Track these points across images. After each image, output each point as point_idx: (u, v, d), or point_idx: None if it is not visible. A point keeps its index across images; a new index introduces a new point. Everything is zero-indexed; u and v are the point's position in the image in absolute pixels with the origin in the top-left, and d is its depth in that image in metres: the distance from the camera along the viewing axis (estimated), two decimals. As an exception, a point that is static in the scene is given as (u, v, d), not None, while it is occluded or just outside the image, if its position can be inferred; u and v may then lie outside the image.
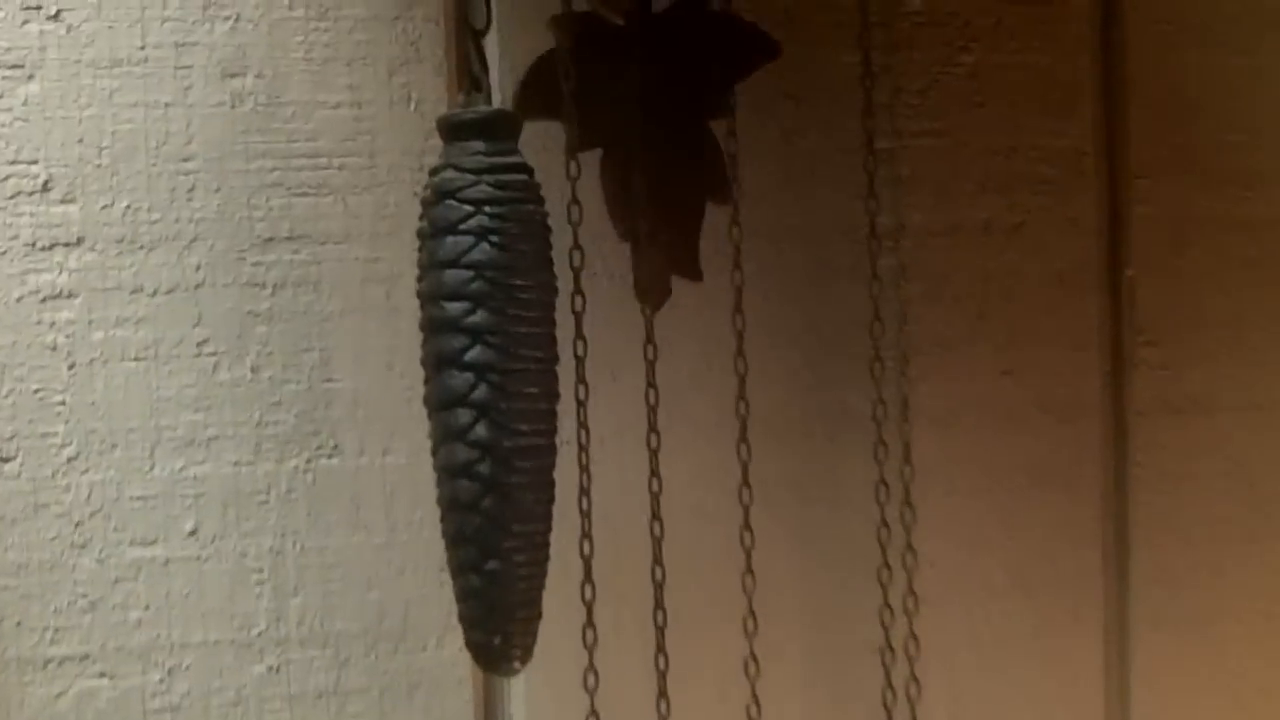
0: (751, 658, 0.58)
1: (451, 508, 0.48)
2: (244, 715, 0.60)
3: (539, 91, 0.54)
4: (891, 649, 0.60)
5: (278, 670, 0.60)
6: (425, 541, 0.60)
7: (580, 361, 0.52)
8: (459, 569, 0.48)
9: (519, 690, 0.62)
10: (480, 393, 0.47)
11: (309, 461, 0.60)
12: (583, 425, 0.52)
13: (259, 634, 0.60)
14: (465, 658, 0.60)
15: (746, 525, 0.57)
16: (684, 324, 0.60)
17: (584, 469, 0.52)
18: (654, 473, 0.54)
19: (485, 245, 0.47)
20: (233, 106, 0.59)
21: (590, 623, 0.54)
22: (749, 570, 0.57)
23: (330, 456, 0.60)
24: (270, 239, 0.59)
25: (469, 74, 0.48)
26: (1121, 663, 0.69)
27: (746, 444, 0.56)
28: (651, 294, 0.57)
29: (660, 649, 0.55)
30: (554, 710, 0.61)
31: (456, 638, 0.59)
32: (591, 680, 0.54)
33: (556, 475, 0.49)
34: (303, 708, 0.60)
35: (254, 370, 0.59)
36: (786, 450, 0.64)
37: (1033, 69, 0.68)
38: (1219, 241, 0.71)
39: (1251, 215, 0.71)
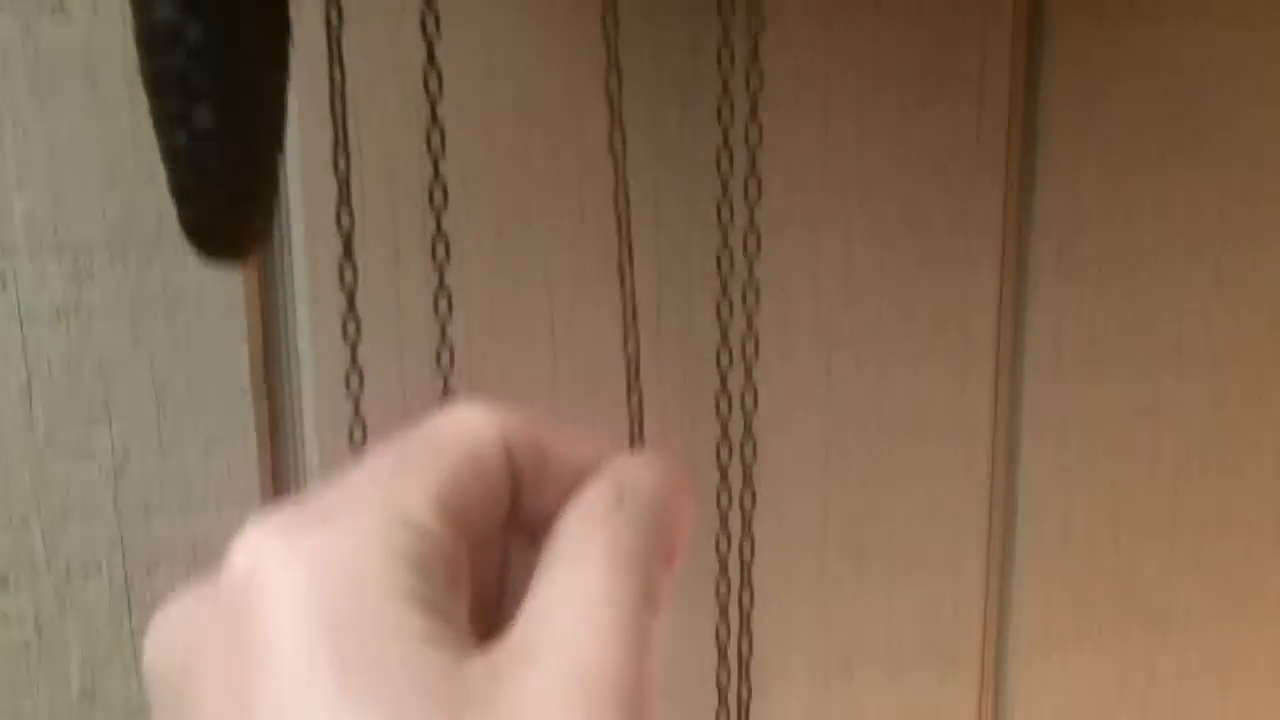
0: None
1: (150, 41, 0.36)
2: (-36, 336, 0.50)
3: None
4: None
5: (2, 285, 0.49)
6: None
7: None
8: (161, 124, 0.37)
9: (303, 302, 0.52)
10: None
11: (27, 26, 0.48)
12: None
13: (-24, 238, 0.49)
14: (237, 271, 0.51)
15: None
16: None
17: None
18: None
19: None
20: None
21: (346, 201, 0.44)
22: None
23: (54, 17, 0.48)
24: None
25: None
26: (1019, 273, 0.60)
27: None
28: None
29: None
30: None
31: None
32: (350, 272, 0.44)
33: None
34: (36, 328, 0.50)
35: (-51, -98, 0.47)
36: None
37: None
38: None
39: None
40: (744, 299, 0.53)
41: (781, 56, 0.53)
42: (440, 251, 0.46)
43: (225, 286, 0.51)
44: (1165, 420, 0.62)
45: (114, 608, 0.52)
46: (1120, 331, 0.60)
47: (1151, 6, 0.58)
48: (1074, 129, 0.58)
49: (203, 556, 0.52)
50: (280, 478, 0.53)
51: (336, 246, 0.47)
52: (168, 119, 0.37)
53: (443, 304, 0.47)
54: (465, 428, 0.32)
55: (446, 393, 0.50)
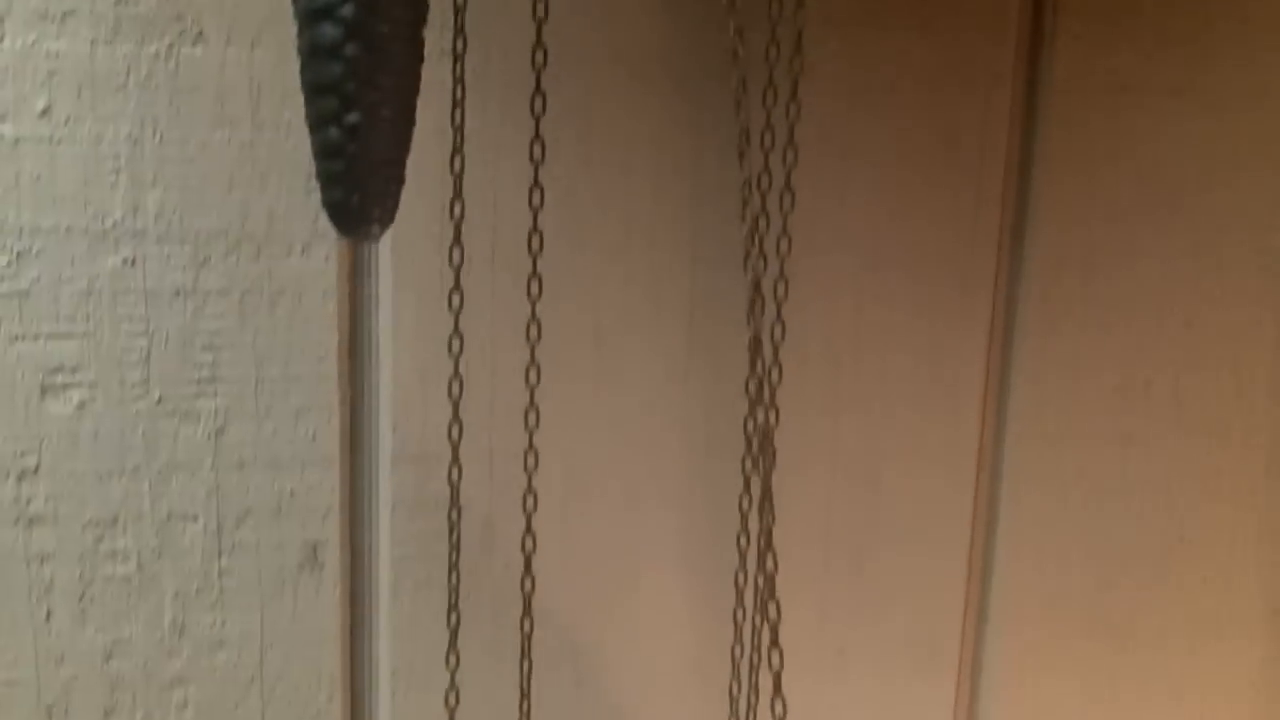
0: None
1: (312, 54, 0.45)
2: (96, 307, 0.58)
3: None
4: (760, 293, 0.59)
5: (133, 263, 0.58)
6: (294, 145, 0.58)
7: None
8: (318, 122, 0.46)
9: (386, 301, 0.60)
10: (347, -71, 0.44)
11: (171, 47, 0.57)
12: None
13: (114, 224, 0.57)
14: (332, 269, 0.59)
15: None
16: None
17: (459, 31, 0.50)
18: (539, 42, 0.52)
19: None
20: None
21: (458, 241, 0.53)
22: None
23: (194, 44, 0.57)
24: None
25: None
26: (1007, 326, 0.69)
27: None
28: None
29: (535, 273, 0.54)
30: (421, 328, 0.60)
31: (323, 247, 0.58)
32: (457, 300, 0.53)
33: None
34: (158, 305, 0.58)
35: (115, -58, 0.56)
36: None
37: None
38: None
39: None
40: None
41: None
42: (534, 288, 0.55)
43: (321, 279, 0.59)
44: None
45: (206, 552, 0.60)
46: (1100, 373, 0.70)
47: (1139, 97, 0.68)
48: (1061, 201, 0.67)
49: (287, 510, 0.60)
50: (358, 445, 0.61)
51: (417, 249, 0.56)
52: (323, 117, 0.46)
53: (535, 288, 0.55)
54: None
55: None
